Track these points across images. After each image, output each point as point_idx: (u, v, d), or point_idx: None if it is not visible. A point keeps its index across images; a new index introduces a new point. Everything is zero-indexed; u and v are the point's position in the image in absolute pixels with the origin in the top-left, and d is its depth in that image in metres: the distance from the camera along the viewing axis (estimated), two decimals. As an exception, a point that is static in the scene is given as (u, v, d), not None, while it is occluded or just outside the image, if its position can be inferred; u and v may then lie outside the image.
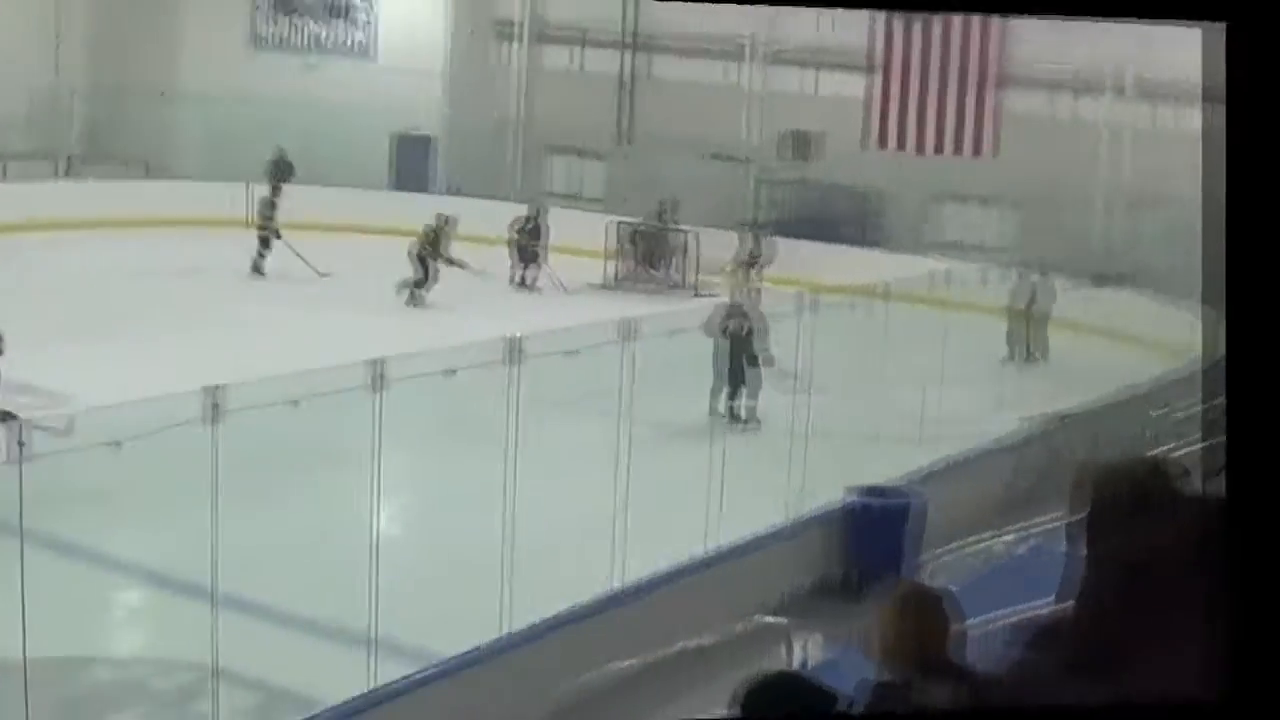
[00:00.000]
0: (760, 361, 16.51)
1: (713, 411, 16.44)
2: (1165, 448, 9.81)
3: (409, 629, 10.05)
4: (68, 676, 10.08)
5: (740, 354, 16.67)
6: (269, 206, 25.01)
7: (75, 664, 10.29)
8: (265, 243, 24.68)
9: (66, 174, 29.50)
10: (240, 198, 27.41)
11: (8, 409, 12.68)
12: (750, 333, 16.66)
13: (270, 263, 24.82)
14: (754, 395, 16.55)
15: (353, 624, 9.55)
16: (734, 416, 16.41)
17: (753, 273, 25.04)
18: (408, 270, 23.49)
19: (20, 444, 7.17)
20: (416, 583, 11.43)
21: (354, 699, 8.92)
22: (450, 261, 23.47)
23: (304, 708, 9.02)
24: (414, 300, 23.21)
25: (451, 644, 9.77)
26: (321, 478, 13.45)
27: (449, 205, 26.88)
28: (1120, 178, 27.27)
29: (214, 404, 7.97)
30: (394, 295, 22.93)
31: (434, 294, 23.30)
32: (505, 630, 9.84)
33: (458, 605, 10.92)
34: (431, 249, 23.58)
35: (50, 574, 10.68)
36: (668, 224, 26.75)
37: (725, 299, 19.23)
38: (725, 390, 16.62)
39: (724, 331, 16.75)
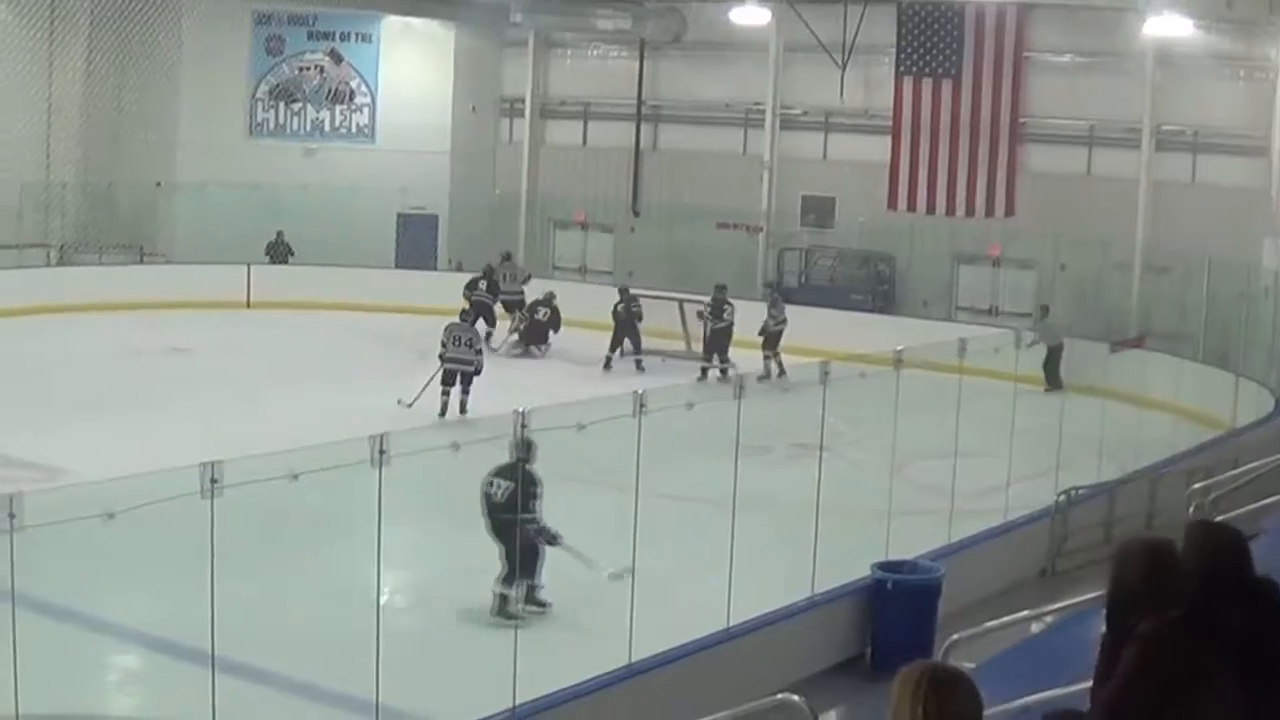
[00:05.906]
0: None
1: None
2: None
3: (415, 697, 9.84)
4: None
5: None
6: None
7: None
8: None
9: (60, 262, 30.37)
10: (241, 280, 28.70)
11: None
12: None
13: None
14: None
15: (357, 693, 9.32)
16: None
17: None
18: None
19: (11, 515, 7.18)
20: (423, 652, 11.24)
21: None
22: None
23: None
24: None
25: (459, 714, 9.55)
26: (323, 549, 13.31)
27: (451, 282, 27.03)
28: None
29: (212, 479, 7.88)
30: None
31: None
32: (515, 702, 9.60)
33: (465, 675, 10.71)
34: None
35: (47, 638, 10.55)
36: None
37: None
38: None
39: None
